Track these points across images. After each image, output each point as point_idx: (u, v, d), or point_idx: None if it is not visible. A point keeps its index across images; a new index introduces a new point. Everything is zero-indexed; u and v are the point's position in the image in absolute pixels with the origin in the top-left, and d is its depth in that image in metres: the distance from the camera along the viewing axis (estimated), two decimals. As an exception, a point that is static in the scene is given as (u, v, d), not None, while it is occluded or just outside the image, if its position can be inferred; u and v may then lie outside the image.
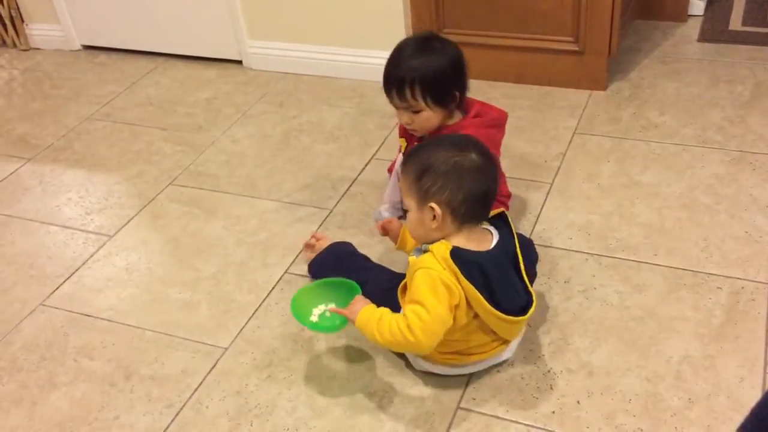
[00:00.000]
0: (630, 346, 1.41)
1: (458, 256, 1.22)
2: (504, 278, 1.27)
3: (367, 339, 1.28)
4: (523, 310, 1.29)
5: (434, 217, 1.25)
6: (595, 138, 2.04)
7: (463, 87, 1.56)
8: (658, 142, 2.00)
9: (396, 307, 1.31)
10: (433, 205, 1.24)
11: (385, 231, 1.49)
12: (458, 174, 1.23)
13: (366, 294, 1.34)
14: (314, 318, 1.36)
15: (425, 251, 1.26)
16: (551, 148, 2.02)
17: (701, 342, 1.41)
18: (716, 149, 1.95)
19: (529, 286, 1.32)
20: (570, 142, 2.04)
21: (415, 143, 1.59)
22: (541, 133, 2.09)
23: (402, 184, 1.31)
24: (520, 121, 2.15)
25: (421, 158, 1.26)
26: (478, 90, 2.32)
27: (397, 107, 1.57)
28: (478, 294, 1.22)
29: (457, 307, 1.23)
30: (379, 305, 1.29)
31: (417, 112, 1.53)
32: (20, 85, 2.66)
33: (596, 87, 2.26)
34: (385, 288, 1.41)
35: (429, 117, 1.54)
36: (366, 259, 1.60)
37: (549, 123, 2.13)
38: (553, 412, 1.30)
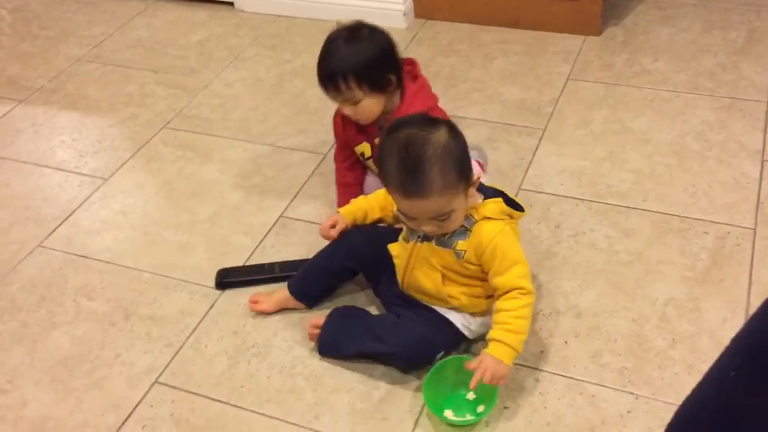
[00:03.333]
0: (617, 289, 1.45)
1: (505, 199, 1.26)
2: None
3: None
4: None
5: (471, 186, 1.21)
6: (588, 84, 2.05)
7: (398, 69, 1.50)
8: (650, 88, 2.01)
9: (446, 332, 1.32)
10: (476, 175, 1.22)
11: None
12: (461, 135, 1.21)
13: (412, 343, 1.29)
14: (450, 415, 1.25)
15: (470, 226, 1.23)
16: (544, 94, 2.02)
17: (686, 285, 1.45)
18: (707, 96, 1.96)
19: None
20: (563, 88, 2.04)
21: (376, 140, 1.54)
22: (534, 79, 2.09)
23: (436, 203, 1.17)
24: (513, 66, 2.15)
25: (443, 160, 1.14)
26: (472, 35, 2.31)
27: (336, 101, 1.53)
28: (522, 213, 1.29)
29: None
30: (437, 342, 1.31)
31: (356, 102, 1.48)
32: (8, 25, 2.62)
33: (591, 32, 2.25)
34: (427, 321, 1.32)
35: (370, 105, 1.49)
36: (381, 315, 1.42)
37: (542, 68, 2.13)
38: (542, 351, 1.35)
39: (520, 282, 1.22)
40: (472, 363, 1.21)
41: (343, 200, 1.62)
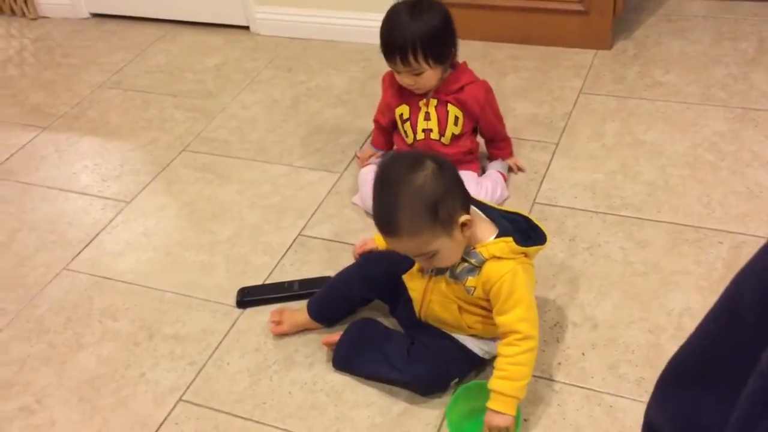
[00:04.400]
0: (633, 300, 1.47)
1: (518, 236, 1.23)
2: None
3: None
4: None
5: (464, 225, 1.19)
6: (600, 97, 2.07)
7: (456, 42, 1.63)
8: (662, 100, 2.03)
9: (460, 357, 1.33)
10: (463, 218, 1.18)
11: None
12: (448, 178, 1.19)
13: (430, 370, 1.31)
14: None
15: (480, 264, 1.22)
16: (557, 109, 2.05)
17: (702, 295, 1.46)
18: (719, 106, 1.97)
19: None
20: (575, 102, 2.07)
21: (420, 104, 1.68)
22: (546, 94, 2.11)
23: (410, 244, 1.19)
24: (525, 81, 2.18)
25: (413, 203, 1.15)
26: (484, 52, 2.35)
27: (399, 72, 1.62)
28: (539, 246, 1.26)
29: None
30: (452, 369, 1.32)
31: (419, 73, 1.59)
32: (31, 54, 2.70)
33: (601, 46, 2.28)
34: (442, 350, 1.33)
35: (431, 76, 1.61)
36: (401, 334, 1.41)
37: (554, 83, 2.16)
38: (559, 363, 1.36)
39: (519, 325, 1.20)
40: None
41: (375, 136, 1.85)
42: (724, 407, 0.61)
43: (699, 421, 0.71)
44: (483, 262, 1.22)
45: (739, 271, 0.67)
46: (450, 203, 1.17)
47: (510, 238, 1.22)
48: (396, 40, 1.56)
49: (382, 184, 1.19)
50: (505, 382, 1.20)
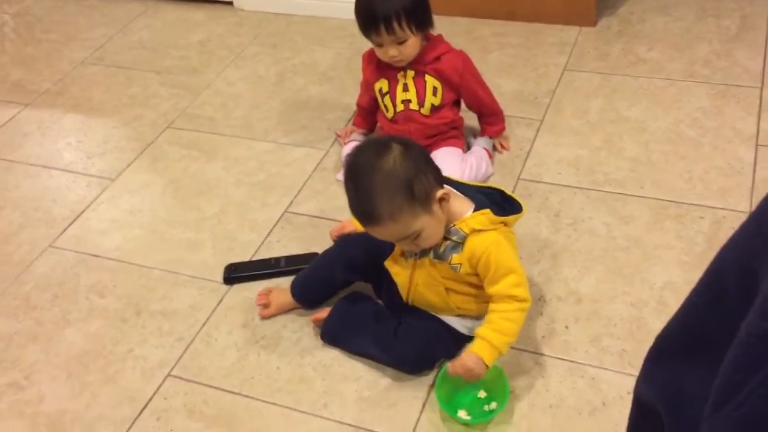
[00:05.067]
0: (616, 274, 1.49)
1: (495, 208, 1.25)
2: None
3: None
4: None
5: (442, 200, 1.20)
6: (584, 74, 2.08)
7: (431, 12, 1.65)
8: (646, 77, 2.04)
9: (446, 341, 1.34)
10: (438, 193, 1.20)
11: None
12: (416, 156, 1.20)
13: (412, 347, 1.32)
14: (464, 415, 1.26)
15: (462, 240, 1.23)
16: (541, 85, 2.05)
17: (684, 269, 1.48)
18: (702, 83, 1.99)
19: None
20: (560, 78, 2.07)
21: (398, 76, 1.69)
22: (531, 71, 2.12)
23: (393, 228, 1.19)
24: (510, 58, 2.18)
25: (389, 187, 1.16)
26: (468, 28, 2.34)
27: (382, 44, 1.63)
28: (517, 215, 1.28)
29: None
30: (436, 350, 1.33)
31: (402, 42, 1.61)
32: (12, 30, 2.66)
33: (586, 23, 2.28)
34: (428, 332, 1.34)
35: (414, 44, 1.63)
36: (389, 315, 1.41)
37: (539, 60, 2.16)
38: (543, 336, 1.38)
39: (514, 291, 1.23)
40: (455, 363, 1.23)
41: (356, 117, 1.89)
42: (709, 379, 0.63)
43: (685, 393, 0.73)
44: (464, 237, 1.23)
45: (722, 247, 0.69)
46: (423, 179, 1.18)
47: (488, 210, 1.24)
48: (378, 12, 1.57)
49: (354, 176, 1.20)
50: (493, 333, 1.22)
